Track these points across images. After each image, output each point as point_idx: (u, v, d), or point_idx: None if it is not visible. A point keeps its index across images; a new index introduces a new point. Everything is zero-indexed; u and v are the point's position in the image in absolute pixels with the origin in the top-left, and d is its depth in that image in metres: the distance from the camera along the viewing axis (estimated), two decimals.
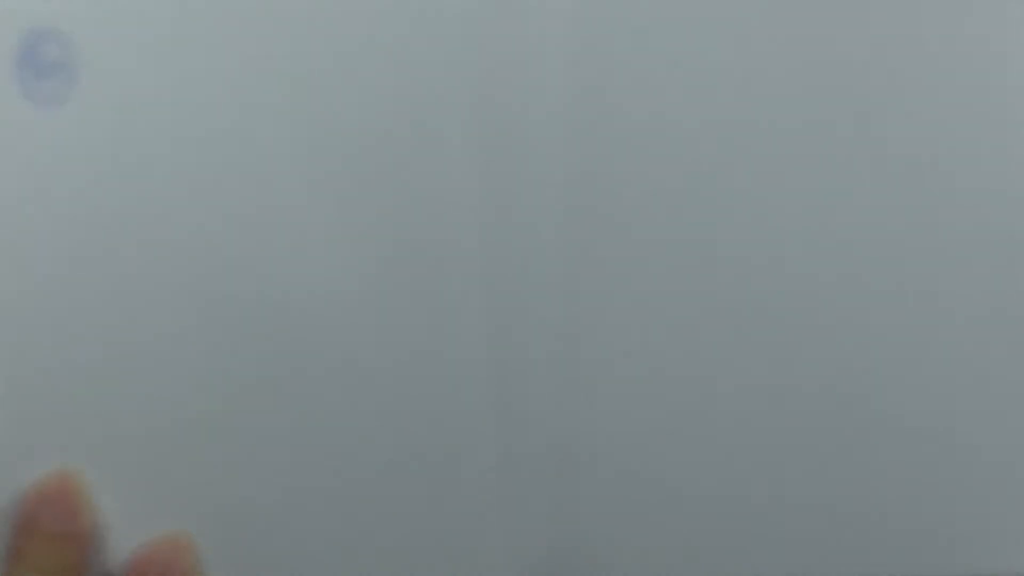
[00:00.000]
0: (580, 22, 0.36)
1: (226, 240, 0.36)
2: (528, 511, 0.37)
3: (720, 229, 0.37)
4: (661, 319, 0.37)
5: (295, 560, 0.37)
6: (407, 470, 0.37)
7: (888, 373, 0.37)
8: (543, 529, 0.37)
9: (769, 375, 0.37)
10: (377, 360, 0.36)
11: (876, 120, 0.37)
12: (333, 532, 0.37)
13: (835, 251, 0.37)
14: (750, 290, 0.37)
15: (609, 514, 0.37)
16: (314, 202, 0.36)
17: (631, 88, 0.36)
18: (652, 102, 0.36)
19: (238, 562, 0.37)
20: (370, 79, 0.36)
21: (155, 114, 0.36)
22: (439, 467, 0.37)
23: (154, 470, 0.37)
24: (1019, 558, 0.37)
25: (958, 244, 0.37)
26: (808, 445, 0.37)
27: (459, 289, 0.37)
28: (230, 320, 0.37)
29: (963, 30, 0.37)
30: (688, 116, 0.37)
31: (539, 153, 0.36)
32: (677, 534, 0.37)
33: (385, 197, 0.36)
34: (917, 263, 0.37)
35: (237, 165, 0.36)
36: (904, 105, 0.37)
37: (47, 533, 0.35)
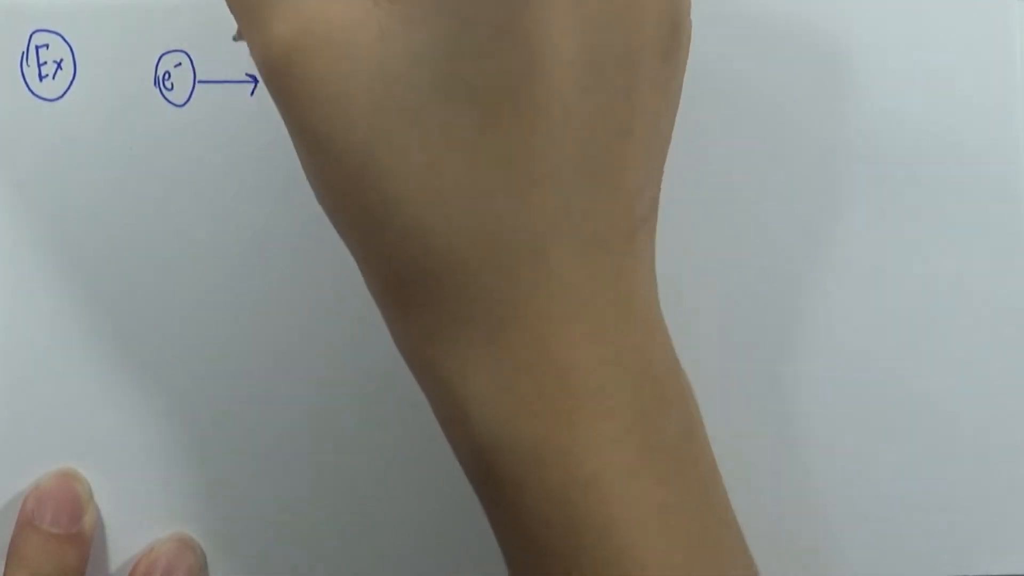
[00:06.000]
0: None
1: (227, 238, 0.36)
2: None
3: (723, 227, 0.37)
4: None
5: (295, 560, 0.37)
6: (407, 469, 0.37)
7: (888, 375, 0.37)
8: None
9: (769, 376, 0.37)
10: (379, 359, 0.36)
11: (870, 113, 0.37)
12: (334, 532, 0.37)
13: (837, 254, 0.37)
14: (749, 286, 0.37)
15: None
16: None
17: None
18: None
19: (239, 562, 0.37)
20: None
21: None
22: (441, 466, 0.37)
23: (154, 470, 0.37)
24: (1019, 558, 0.37)
25: (964, 243, 0.37)
26: (808, 446, 0.37)
27: None
28: (232, 319, 0.37)
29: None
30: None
31: None
32: None
33: None
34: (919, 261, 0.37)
35: (239, 164, 0.36)
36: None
37: (47, 533, 0.35)
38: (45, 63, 0.36)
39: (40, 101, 0.36)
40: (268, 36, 0.27)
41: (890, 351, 0.37)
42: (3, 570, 0.36)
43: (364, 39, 0.26)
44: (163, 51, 0.36)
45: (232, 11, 0.28)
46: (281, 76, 0.27)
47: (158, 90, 0.36)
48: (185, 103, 0.36)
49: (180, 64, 0.36)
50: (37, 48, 0.36)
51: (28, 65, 0.36)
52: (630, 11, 0.27)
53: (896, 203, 0.37)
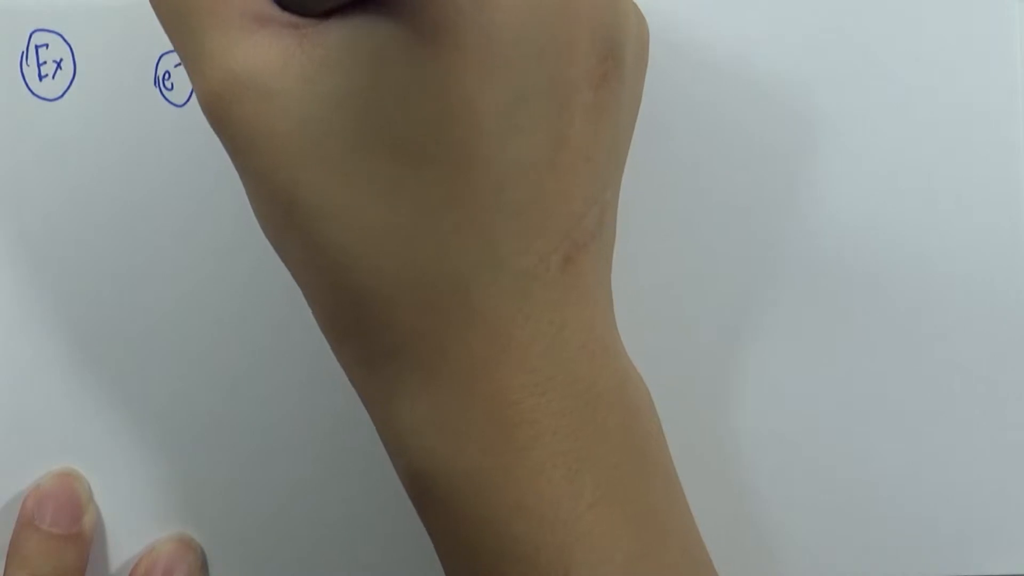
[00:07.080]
0: None
1: (228, 238, 0.37)
2: None
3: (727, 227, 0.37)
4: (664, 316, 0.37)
5: (295, 560, 0.37)
6: None
7: (887, 375, 0.37)
8: None
9: (767, 375, 0.37)
10: None
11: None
12: (334, 532, 0.37)
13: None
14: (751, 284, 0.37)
15: None
16: None
17: None
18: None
19: (239, 562, 0.37)
20: None
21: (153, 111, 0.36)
22: None
23: (154, 470, 0.37)
24: (1019, 558, 0.37)
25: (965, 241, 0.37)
26: (807, 445, 0.37)
27: None
28: (233, 318, 0.37)
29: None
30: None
31: None
32: None
33: None
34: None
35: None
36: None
37: (47, 533, 0.35)
38: (45, 63, 0.36)
39: (40, 101, 0.36)
40: (202, 82, 0.27)
41: (889, 351, 0.37)
42: (3, 570, 0.36)
43: (286, 84, 0.26)
44: (163, 51, 0.36)
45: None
46: (214, 119, 0.27)
47: (158, 90, 0.36)
48: (185, 103, 0.36)
49: (180, 64, 0.36)
50: (37, 48, 0.36)
51: (28, 65, 0.36)
52: (554, 48, 0.27)
53: (895, 203, 0.37)
